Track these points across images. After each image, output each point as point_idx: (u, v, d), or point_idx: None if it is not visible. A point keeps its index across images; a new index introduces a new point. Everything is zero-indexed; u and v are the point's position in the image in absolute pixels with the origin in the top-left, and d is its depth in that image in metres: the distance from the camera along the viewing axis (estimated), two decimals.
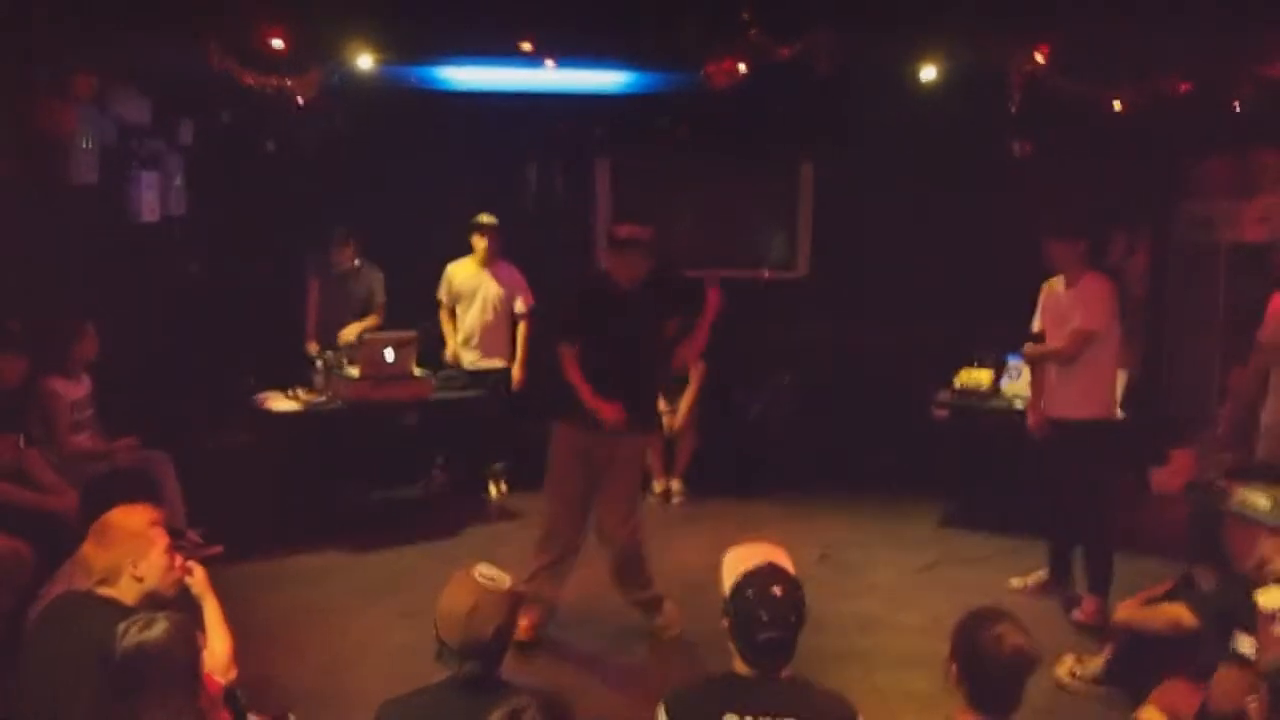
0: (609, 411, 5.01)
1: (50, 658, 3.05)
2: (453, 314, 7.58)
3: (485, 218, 7.49)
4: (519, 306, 7.55)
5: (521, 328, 7.55)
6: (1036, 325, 5.80)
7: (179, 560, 3.32)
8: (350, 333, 7.28)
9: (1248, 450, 5.77)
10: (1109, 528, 5.68)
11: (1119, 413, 5.85)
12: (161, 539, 3.25)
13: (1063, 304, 5.63)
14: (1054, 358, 5.66)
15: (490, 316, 7.51)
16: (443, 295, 7.57)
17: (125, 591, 3.14)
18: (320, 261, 7.50)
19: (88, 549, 3.20)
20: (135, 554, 3.16)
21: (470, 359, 7.50)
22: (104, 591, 3.14)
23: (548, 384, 5.40)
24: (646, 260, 5.13)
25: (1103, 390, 5.61)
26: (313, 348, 7.40)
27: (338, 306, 7.51)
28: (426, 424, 7.33)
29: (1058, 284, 5.70)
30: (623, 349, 5.08)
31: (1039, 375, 5.89)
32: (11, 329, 5.48)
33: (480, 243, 7.46)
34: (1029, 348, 5.85)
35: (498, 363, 7.52)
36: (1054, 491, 5.81)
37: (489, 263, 7.51)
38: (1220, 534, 4.05)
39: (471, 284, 7.53)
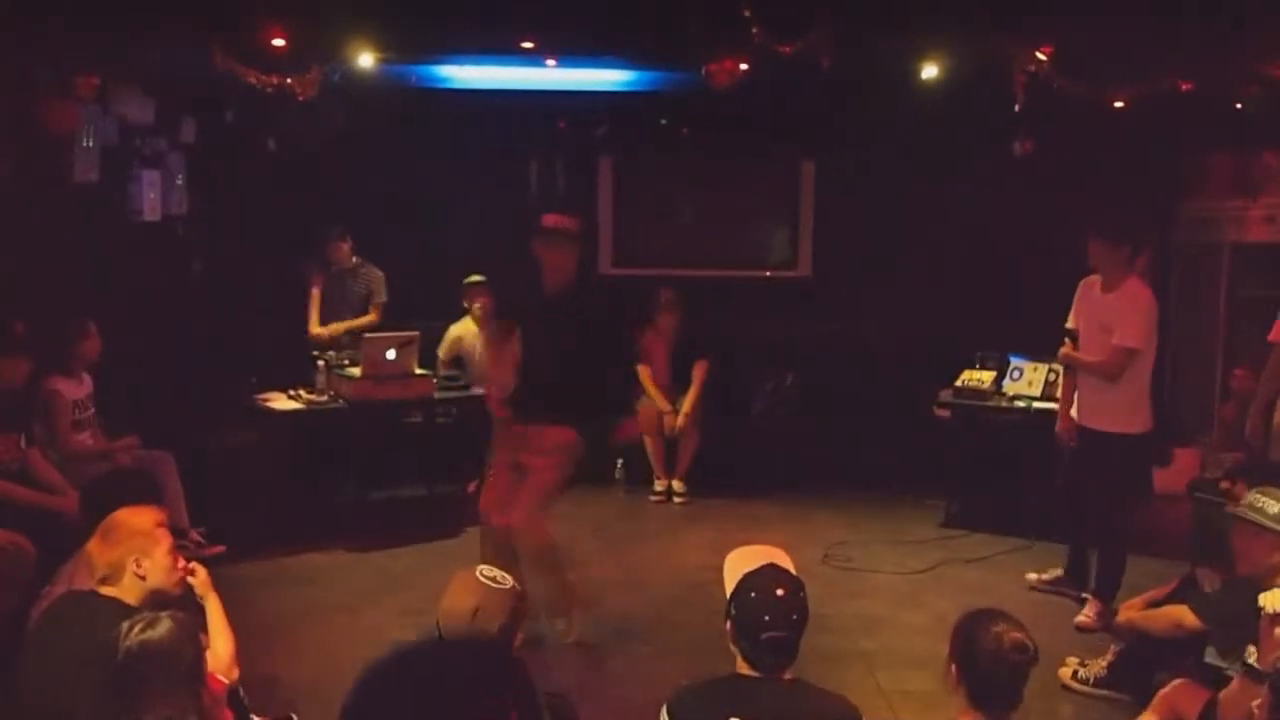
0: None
1: (53, 657, 3.05)
2: (453, 365, 7.71)
3: (475, 278, 7.55)
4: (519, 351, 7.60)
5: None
6: (1071, 321, 5.70)
7: (182, 562, 3.32)
8: (339, 328, 7.28)
9: (1250, 451, 5.77)
10: (1125, 535, 5.66)
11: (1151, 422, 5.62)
12: (166, 539, 3.27)
13: (1100, 306, 5.50)
14: (1094, 372, 5.50)
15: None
16: (443, 354, 7.65)
17: (128, 591, 3.15)
18: (320, 261, 7.50)
19: (93, 546, 3.21)
20: (140, 552, 3.17)
21: None
22: (106, 591, 3.15)
23: None
24: (573, 252, 5.06)
25: (1141, 404, 5.46)
26: (318, 331, 7.39)
27: (337, 304, 7.52)
28: (428, 423, 7.35)
29: (1095, 282, 5.57)
30: (541, 351, 5.03)
31: (1070, 380, 5.81)
32: (16, 330, 5.47)
33: (474, 304, 7.56)
34: (1064, 350, 5.70)
35: None
36: (1075, 495, 5.78)
37: (487, 322, 7.57)
38: (1226, 536, 4.03)
39: (475, 344, 7.64)
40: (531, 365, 5.07)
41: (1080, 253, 5.61)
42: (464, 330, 7.75)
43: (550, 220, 5.11)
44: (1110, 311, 5.45)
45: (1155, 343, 5.50)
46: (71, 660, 2.97)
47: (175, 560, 3.27)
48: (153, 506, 3.41)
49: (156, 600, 3.11)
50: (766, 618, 2.74)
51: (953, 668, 2.78)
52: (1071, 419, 5.77)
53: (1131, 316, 5.38)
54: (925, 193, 8.09)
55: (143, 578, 3.16)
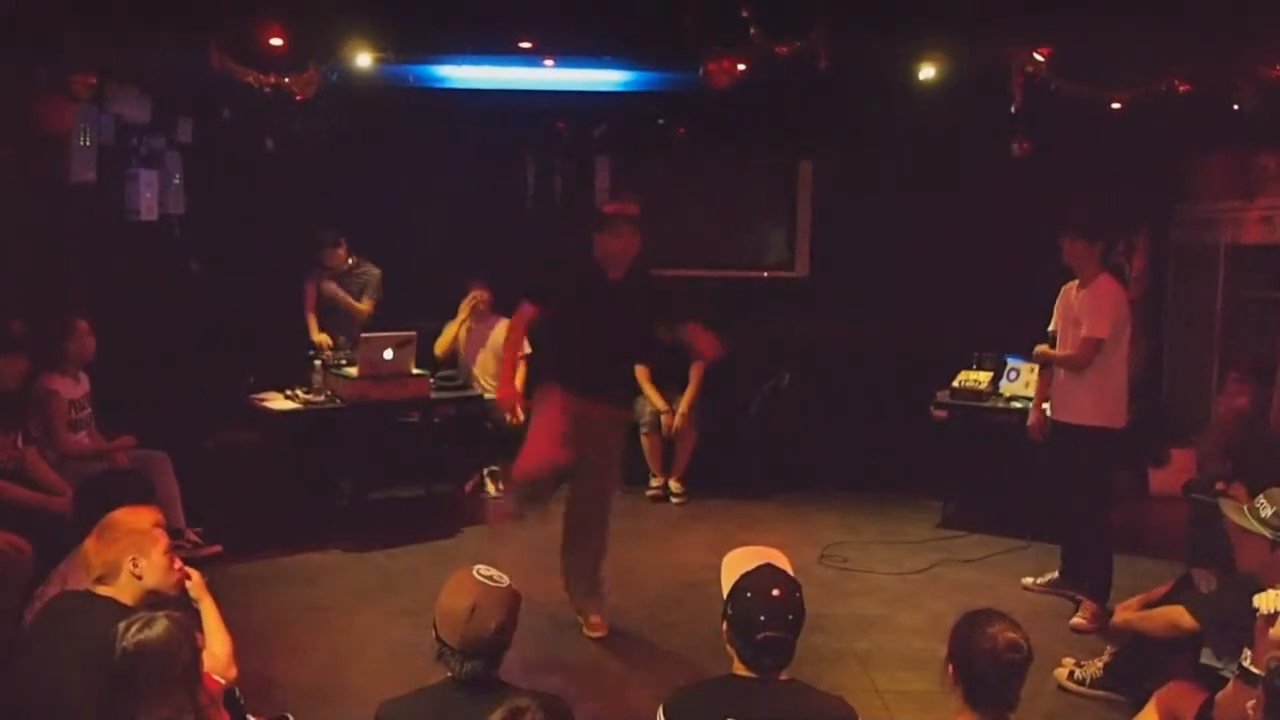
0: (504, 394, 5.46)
1: (49, 658, 3.05)
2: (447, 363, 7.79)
3: (476, 275, 7.75)
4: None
5: (520, 369, 7.62)
6: (1053, 324, 5.78)
7: (178, 563, 3.32)
8: (330, 341, 7.34)
9: (1246, 452, 5.78)
10: (1108, 533, 5.68)
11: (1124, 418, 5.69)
12: (163, 539, 3.27)
13: (1074, 305, 5.60)
14: (1063, 365, 5.61)
15: (494, 367, 7.72)
16: (440, 350, 7.70)
17: (123, 590, 3.14)
18: (315, 264, 7.49)
19: (90, 545, 3.19)
20: (137, 552, 3.17)
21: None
22: (102, 590, 3.15)
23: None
24: (635, 236, 5.11)
25: (1111, 397, 5.52)
26: (322, 339, 7.39)
27: (335, 307, 7.51)
28: (426, 423, 7.36)
29: (1073, 286, 5.67)
30: (602, 337, 5.10)
31: (1045, 377, 5.89)
32: (13, 329, 5.46)
33: (472, 295, 7.69)
34: (1039, 349, 5.79)
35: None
36: (1056, 492, 5.82)
37: (484, 318, 7.75)
38: (1223, 535, 4.04)
39: (474, 341, 7.78)
40: (596, 346, 5.11)
41: None
42: (460, 330, 7.79)
43: (612, 207, 5.23)
44: (1081, 307, 5.55)
45: (1126, 336, 5.58)
46: (68, 660, 2.96)
47: (172, 561, 3.27)
48: (151, 507, 3.40)
49: (152, 600, 3.11)
50: (762, 618, 2.74)
51: (950, 668, 2.79)
52: (1042, 413, 5.87)
53: (1098, 309, 5.48)
54: (922, 193, 8.10)
55: (139, 577, 3.15)
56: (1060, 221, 5.80)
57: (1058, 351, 5.66)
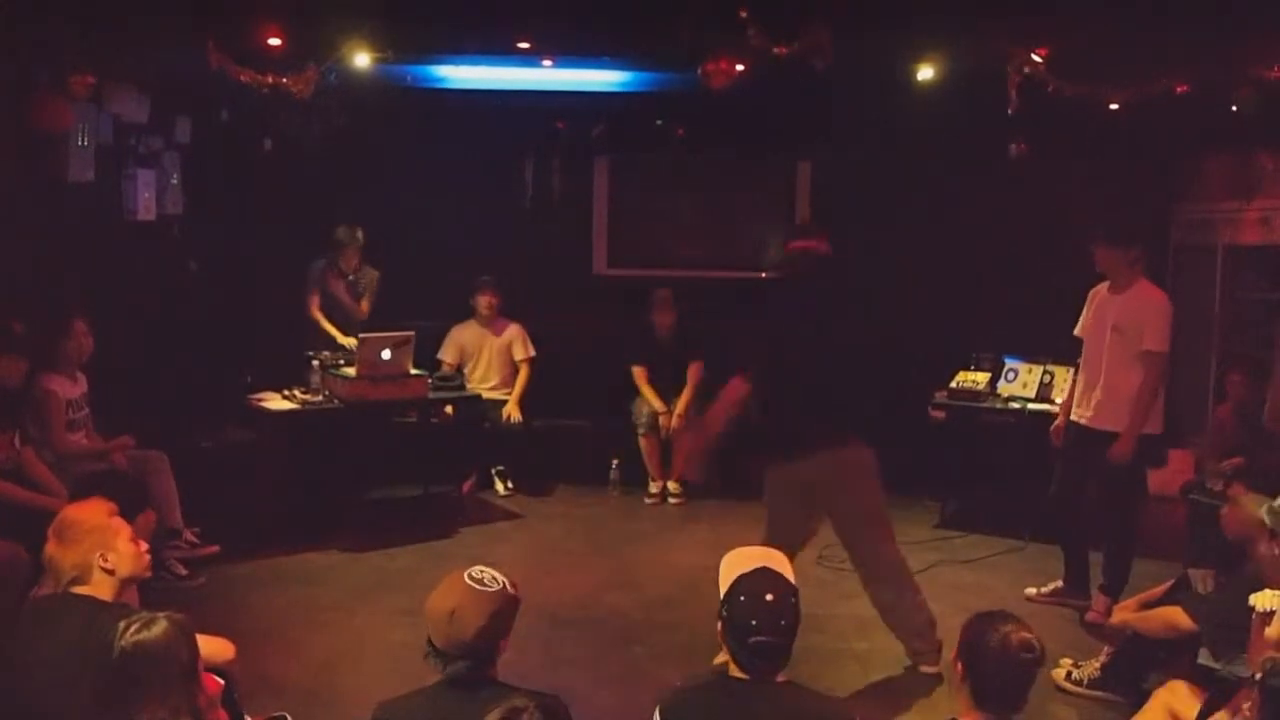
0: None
1: (33, 662, 3.00)
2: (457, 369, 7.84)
3: (485, 277, 7.86)
4: (518, 354, 7.87)
5: (523, 371, 7.84)
6: (1079, 328, 5.72)
7: (144, 546, 3.31)
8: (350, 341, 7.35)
9: (1246, 453, 5.78)
10: (1135, 535, 5.62)
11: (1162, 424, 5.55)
12: (124, 527, 3.24)
13: (1110, 306, 5.50)
14: (1146, 398, 5.35)
15: (498, 369, 7.88)
16: (445, 356, 7.80)
17: (99, 587, 3.12)
18: (319, 273, 7.50)
19: (53, 551, 3.15)
20: (103, 546, 3.14)
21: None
22: (79, 590, 3.12)
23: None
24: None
25: (1157, 406, 5.42)
26: (349, 341, 7.39)
27: (340, 309, 7.52)
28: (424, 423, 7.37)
29: (1103, 289, 5.59)
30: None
31: (1073, 383, 5.78)
32: (14, 330, 5.46)
33: (484, 299, 7.81)
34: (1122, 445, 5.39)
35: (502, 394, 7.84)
36: (1078, 499, 5.70)
37: (491, 321, 7.87)
38: (1221, 537, 4.04)
39: (476, 344, 7.89)
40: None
41: (1076, 254, 5.62)
42: (463, 332, 7.84)
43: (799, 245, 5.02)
44: (1124, 313, 5.44)
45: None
46: (53, 664, 2.93)
47: (138, 545, 3.26)
48: (101, 499, 3.35)
49: (129, 588, 3.10)
50: (754, 622, 2.73)
51: (959, 666, 2.78)
52: (1067, 419, 5.76)
53: (1155, 321, 5.39)
54: (921, 194, 8.09)
55: (111, 571, 3.14)
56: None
57: (1139, 400, 5.35)
